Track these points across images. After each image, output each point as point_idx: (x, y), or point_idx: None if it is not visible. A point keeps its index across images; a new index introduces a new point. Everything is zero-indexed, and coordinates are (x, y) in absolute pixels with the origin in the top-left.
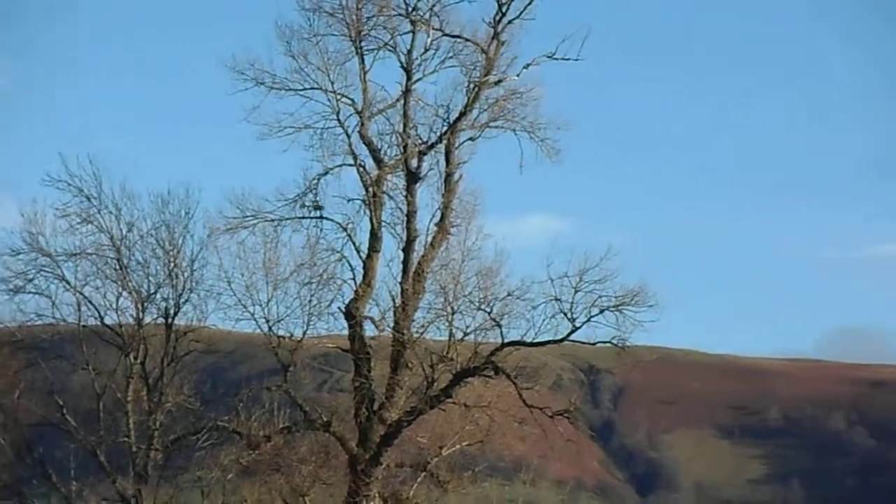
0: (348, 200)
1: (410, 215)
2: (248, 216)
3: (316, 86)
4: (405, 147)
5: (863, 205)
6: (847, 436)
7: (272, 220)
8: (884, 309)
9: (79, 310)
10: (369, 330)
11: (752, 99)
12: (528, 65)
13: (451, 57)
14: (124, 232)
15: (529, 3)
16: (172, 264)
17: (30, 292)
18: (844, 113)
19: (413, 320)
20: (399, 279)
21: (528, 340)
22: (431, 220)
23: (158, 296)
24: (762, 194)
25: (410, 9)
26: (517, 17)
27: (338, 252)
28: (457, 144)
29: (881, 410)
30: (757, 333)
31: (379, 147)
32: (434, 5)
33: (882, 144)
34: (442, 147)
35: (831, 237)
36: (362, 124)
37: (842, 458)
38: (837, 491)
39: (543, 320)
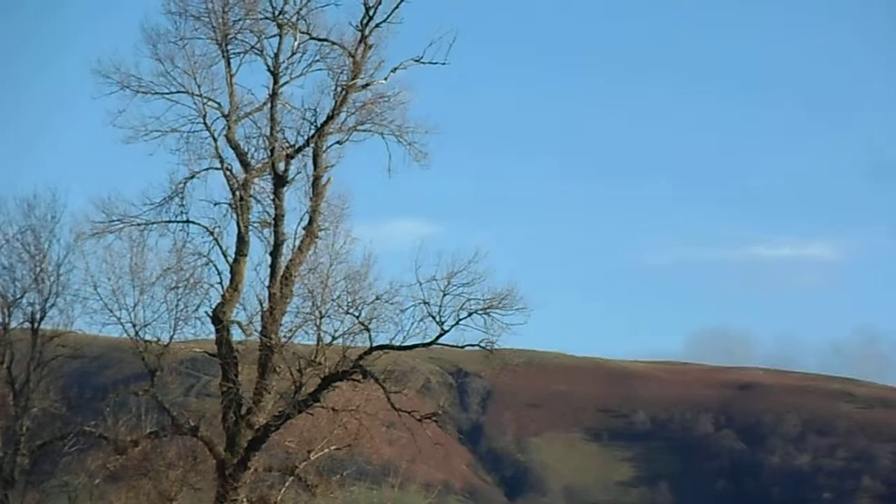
0: (215, 204)
1: (278, 219)
2: (114, 220)
3: (182, 89)
4: (272, 150)
5: (733, 206)
6: (715, 438)
7: (139, 225)
8: (750, 311)
9: None
10: (237, 334)
11: (618, 97)
12: (396, 68)
13: (318, 60)
14: None
15: (396, 7)
16: (38, 269)
17: None
18: (711, 107)
19: (281, 324)
20: (267, 283)
21: (397, 344)
22: (299, 223)
23: (24, 300)
24: (631, 197)
25: (277, 12)
26: (384, 20)
27: (205, 256)
28: (324, 148)
29: (749, 413)
30: (624, 336)
31: (246, 151)
32: (301, 9)
33: (733, 143)
34: (309, 150)
35: (700, 239)
36: (229, 128)
37: (710, 460)
38: (706, 493)
39: (412, 324)
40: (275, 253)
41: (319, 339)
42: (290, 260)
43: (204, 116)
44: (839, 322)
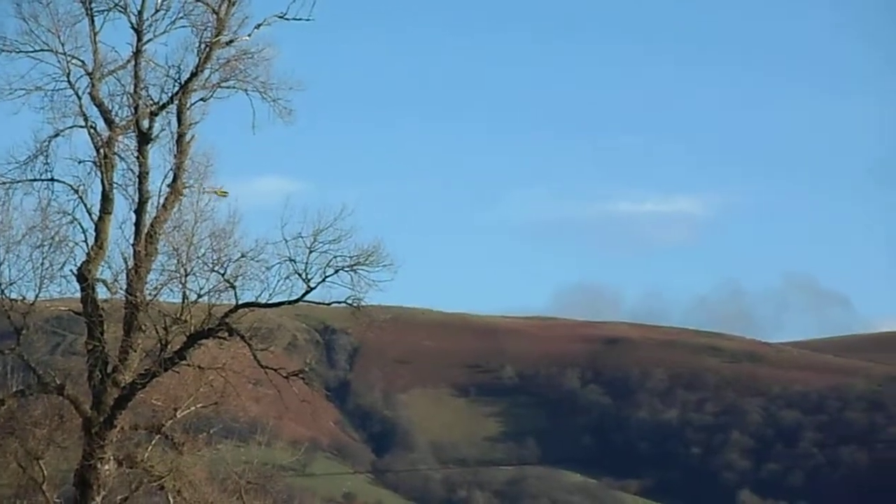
0: (79, 162)
1: (142, 176)
2: None
3: (46, 48)
4: (136, 108)
5: (597, 163)
6: (582, 393)
7: (3, 183)
8: (616, 267)
9: None
10: (102, 292)
11: (482, 48)
12: (260, 25)
13: (182, 17)
14: None
15: None
16: None
17: None
18: (582, 59)
19: (146, 282)
20: (132, 241)
21: (263, 302)
22: (164, 181)
23: None
24: (498, 152)
25: None
26: None
27: (69, 215)
28: (188, 105)
29: (615, 368)
30: (492, 291)
31: (110, 108)
32: None
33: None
34: (174, 108)
35: (566, 195)
36: (93, 86)
37: (577, 415)
38: (573, 448)
39: (278, 281)
40: (139, 211)
41: (185, 296)
42: (155, 218)
43: (68, 74)
44: (704, 277)
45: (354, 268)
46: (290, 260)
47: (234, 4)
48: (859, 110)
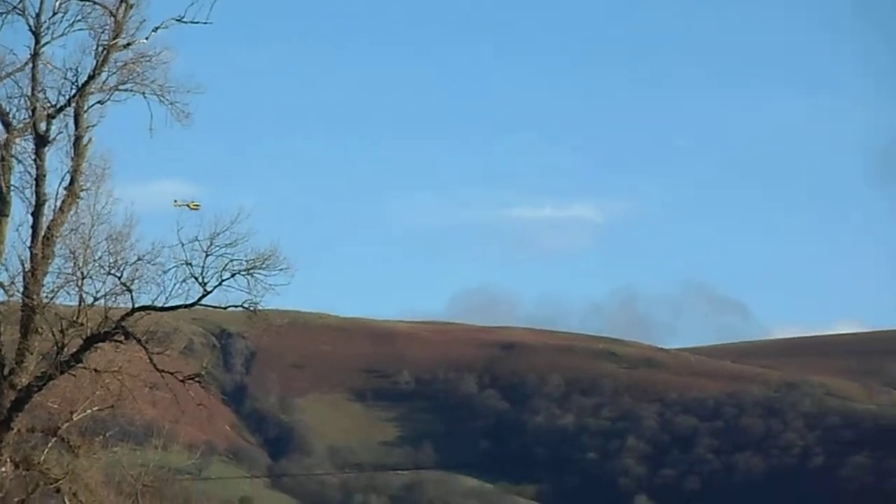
0: None
1: (40, 179)
2: None
3: None
4: (34, 110)
5: (496, 169)
6: (479, 398)
7: None
8: (513, 272)
9: None
10: None
11: (376, 57)
12: (158, 28)
13: (80, 20)
14: None
15: None
16: None
17: None
18: (472, 63)
19: (43, 285)
20: (29, 244)
21: (159, 305)
22: (61, 183)
23: None
24: (395, 158)
25: None
26: None
27: None
28: (86, 108)
29: (512, 373)
30: (388, 296)
31: (7, 111)
32: None
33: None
34: (71, 110)
35: (461, 201)
36: None
37: (474, 420)
38: (470, 453)
39: (175, 285)
40: (36, 213)
41: (81, 299)
42: (52, 220)
43: None
44: (601, 283)
45: (251, 271)
46: (187, 264)
47: (131, 7)
48: (753, 108)
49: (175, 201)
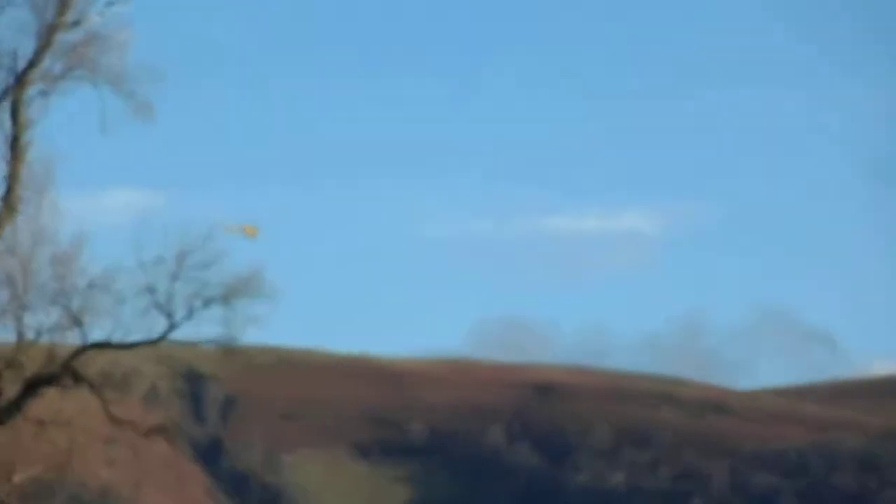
0: None
1: None
2: None
3: None
4: None
5: (527, 167)
6: (508, 452)
7: None
8: (548, 297)
9: None
10: None
11: (368, 41)
12: (112, 3)
13: None
14: None
15: None
16: None
17: None
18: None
19: None
20: None
21: (116, 341)
22: None
23: None
24: (402, 155)
25: None
26: None
27: None
28: (26, 101)
29: (548, 421)
30: (395, 328)
31: None
32: None
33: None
34: (7, 104)
35: (485, 207)
36: None
37: (502, 480)
38: None
39: (134, 316)
40: None
41: (21, 334)
42: None
43: None
44: (657, 310)
45: (228, 299)
46: (149, 290)
47: None
48: (864, 108)
49: (226, 226)
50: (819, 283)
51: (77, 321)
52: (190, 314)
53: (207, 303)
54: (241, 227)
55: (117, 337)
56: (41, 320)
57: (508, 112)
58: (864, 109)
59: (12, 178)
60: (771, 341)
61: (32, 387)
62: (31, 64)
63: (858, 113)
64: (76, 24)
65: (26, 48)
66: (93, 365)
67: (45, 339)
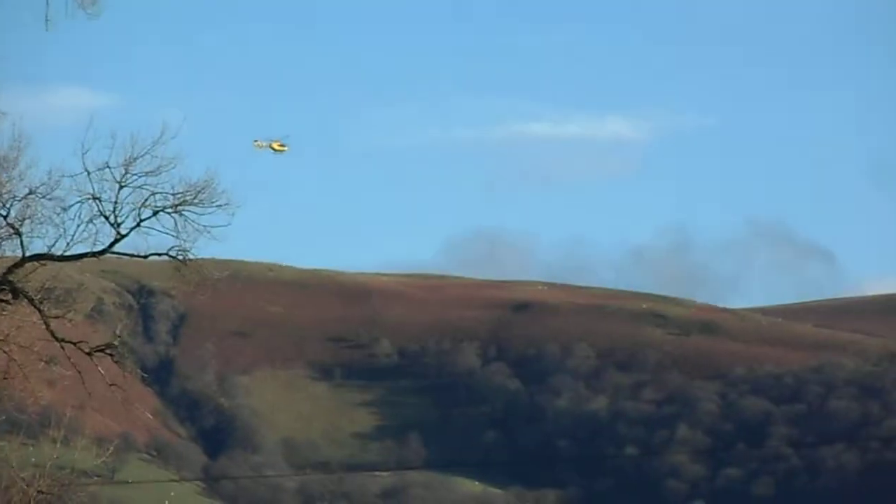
0: None
1: None
2: None
3: None
4: None
5: (499, 70)
6: (482, 375)
7: None
8: (527, 208)
9: None
10: None
11: None
12: None
13: None
14: None
15: None
16: None
17: None
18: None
19: None
20: None
21: (58, 253)
22: None
23: None
24: (361, 58)
25: None
26: None
27: None
28: None
29: (526, 342)
30: (361, 241)
31: None
32: None
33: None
34: None
35: (456, 113)
36: None
37: (476, 404)
38: (470, 447)
39: (78, 226)
40: None
41: None
42: None
43: None
44: (642, 223)
45: (179, 208)
46: (95, 198)
47: None
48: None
49: (255, 141)
50: (817, 197)
51: (16, 231)
52: (138, 224)
53: (157, 212)
54: (270, 144)
55: (59, 248)
56: None
57: (485, 21)
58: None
59: None
60: (764, 257)
61: None
62: None
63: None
64: None
65: None
66: (33, 278)
67: None
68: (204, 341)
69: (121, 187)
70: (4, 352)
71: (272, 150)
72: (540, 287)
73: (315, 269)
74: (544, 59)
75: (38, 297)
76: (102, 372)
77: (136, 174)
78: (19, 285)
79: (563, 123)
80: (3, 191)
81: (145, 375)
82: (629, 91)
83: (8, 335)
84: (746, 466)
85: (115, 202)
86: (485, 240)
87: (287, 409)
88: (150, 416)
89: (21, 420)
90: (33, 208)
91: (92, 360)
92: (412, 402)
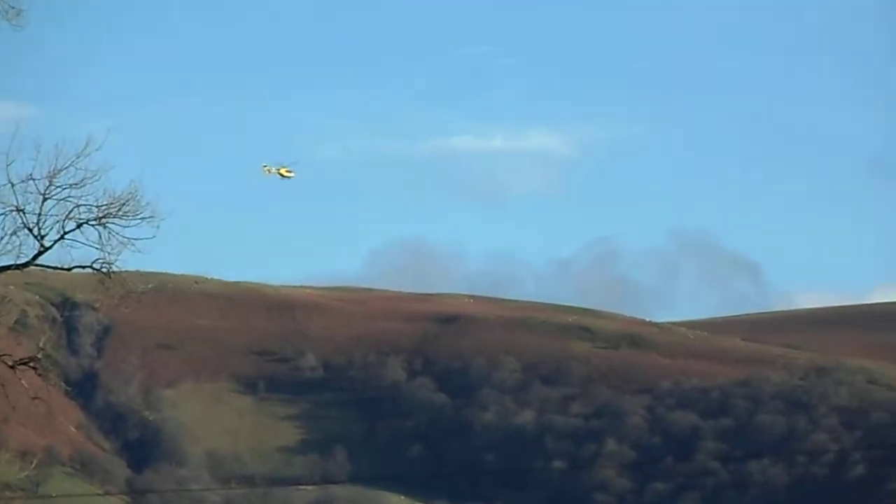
0: None
1: None
2: None
3: None
4: None
5: (429, 83)
6: (408, 389)
7: None
8: (453, 221)
9: None
10: None
11: None
12: None
13: None
14: None
15: None
16: None
17: None
18: None
19: None
20: None
21: None
22: None
23: None
24: (289, 71)
25: None
26: None
27: None
28: None
29: (451, 355)
30: (286, 255)
31: None
32: None
33: None
34: None
35: (382, 126)
36: None
37: (402, 418)
38: (396, 461)
39: (2, 238)
40: None
41: None
42: None
43: None
44: (568, 235)
45: (103, 221)
46: (18, 210)
47: None
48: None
49: (264, 166)
50: (740, 209)
51: None
52: (62, 236)
53: (80, 224)
54: (279, 170)
55: None
56: None
57: (411, 33)
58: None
59: None
60: (690, 270)
61: None
62: None
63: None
64: None
65: None
66: None
67: None
68: (128, 354)
69: (45, 199)
70: None
71: (280, 176)
72: (466, 300)
73: (240, 282)
74: (468, 73)
75: None
76: (26, 385)
77: (60, 186)
78: None
79: (486, 137)
80: None
81: (69, 388)
82: (553, 105)
83: None
84: (674, 481)
85: (39, 214)
86: (409, 252)
87: (212, 422)
88: (74, 430)
89: None
90: None
91: (15, 373)
92: (337, 416)
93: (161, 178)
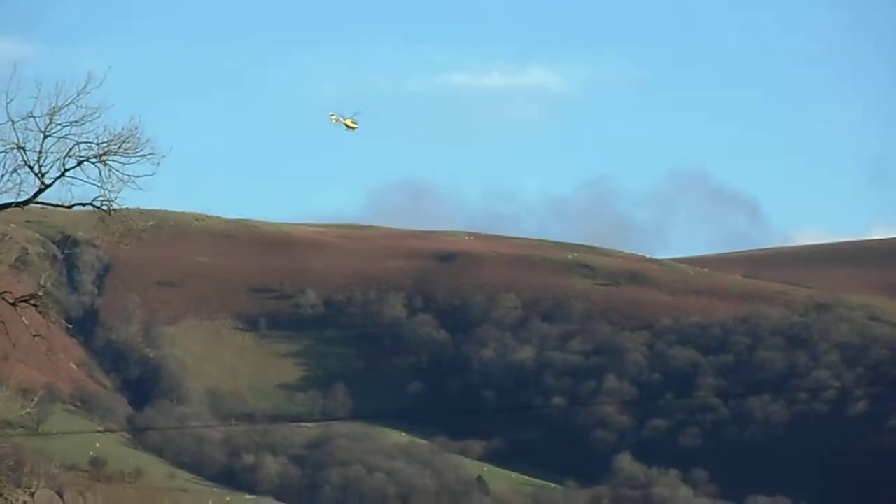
0: None
1: None
2: None
3: None
4: None
5: (423, 21)
6: (409, 326)
7: None
8: (452, 159)
9: None
10: None
11: None
12: None
13: None
14: None
15: None
16: None
17: None
18: None
19: None
20: None
21: None
22: None
23: None
24: (294, 32)
25: None
26: None
27: None
28: None
29: (451, 292)
30: (285, 192)
31: None
32: None
33: None
34: None
35: (382, 65)
36: None
37: (402, 355)
38: (396, 397)
39: (2, 176)
40: None
41: None
42: None
43: None
44: (567, 173)
45: (104, 158)
46: (19, 148)
47: None
48: None
49: (332, 115)
50: (737, 146)
51: None
52: (62, 174)
53: (81, 162)
54: (345, 120)
55: None
56: None
57: None
58: None
59: None
60: (690, 207)
61: None
62: None
63: None
64: None
65: None
66: None
67: None
68: (129, 292)
69: (45, 137)
70: None
71: (345, 126)
72: (466, 237)
73: (241, 220)
74: (467, 10)
75: None
76: (27, 322)
77: (60, 124)
78: None
79: (484, 74)
80: None
81: (70, 326)
82: (552, 41)
83: None
84: (674, 417)
85: (40, 152)
86: (409, 190)
87: (213, 360)
88: (75, 367)
89: None
90: None
91: (16, 310)
92: (337, 353)
93: (161, 116)
